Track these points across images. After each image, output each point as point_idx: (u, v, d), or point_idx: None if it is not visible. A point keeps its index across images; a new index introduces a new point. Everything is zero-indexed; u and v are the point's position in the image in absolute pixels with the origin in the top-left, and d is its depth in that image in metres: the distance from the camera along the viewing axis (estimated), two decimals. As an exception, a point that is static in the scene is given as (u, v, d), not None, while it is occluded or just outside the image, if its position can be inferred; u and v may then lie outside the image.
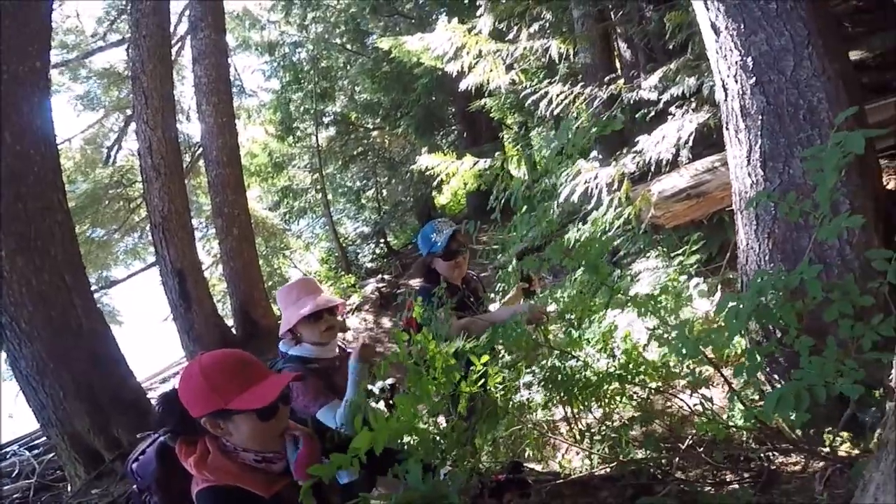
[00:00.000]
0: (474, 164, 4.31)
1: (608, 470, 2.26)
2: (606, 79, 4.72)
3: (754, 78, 1.84)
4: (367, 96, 11.88)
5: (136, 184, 8.46)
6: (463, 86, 5.20)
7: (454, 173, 4.42)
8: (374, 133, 12.42)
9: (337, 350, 2.18)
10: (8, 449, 6.91)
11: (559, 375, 1.87)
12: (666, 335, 1.51)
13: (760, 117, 1.85)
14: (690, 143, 3.36)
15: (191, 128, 10.17)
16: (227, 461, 1.38)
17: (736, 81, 1.90)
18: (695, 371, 1.45)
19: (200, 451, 1.39)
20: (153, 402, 5.42)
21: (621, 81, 4.50)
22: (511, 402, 1.95)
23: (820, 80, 1.79)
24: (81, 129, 10.02)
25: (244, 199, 6.57)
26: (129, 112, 9.20)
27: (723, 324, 1.30)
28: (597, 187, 2.97)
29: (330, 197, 12.06)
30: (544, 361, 1.94)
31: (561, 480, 2.20)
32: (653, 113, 4.10)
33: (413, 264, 10.45)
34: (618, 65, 6.90)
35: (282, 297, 2.15)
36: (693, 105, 3.84)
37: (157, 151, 5.64)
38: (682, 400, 2.07)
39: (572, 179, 2.76)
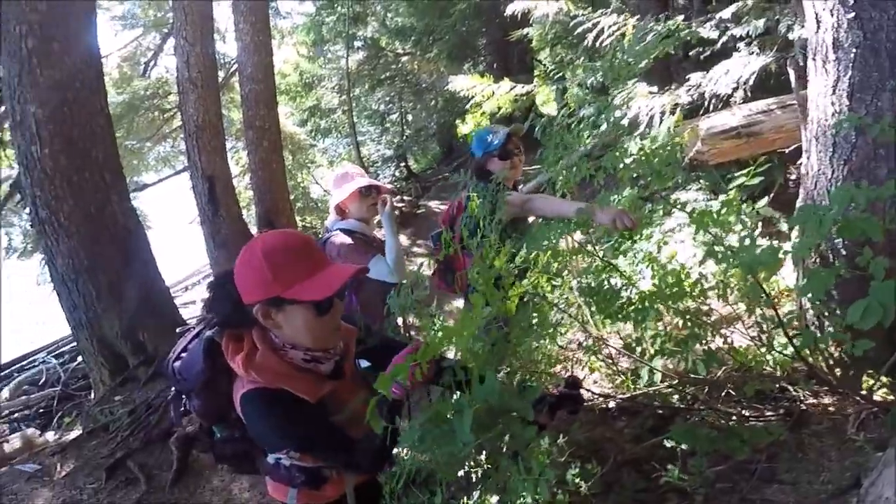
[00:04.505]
0: (511, 89, 4.18)
1: (625, 399, 2.28)
2: (662, 15, 4.46)
3: (853, 13, 1.76)
4: (401, 21, 11.58)
5: (170, 96, 8.53)
6: (509, 10, 4.97)
7: (489, 96, 4.29)
8: (404, 58, 12.12)
9: (375, 233, 2.53)
10: (36, 357, 7.22)
11: (602, 292, 1.84)
12: (722, 252, 1.47)
13: (854, 51, 1.76)
14: (751, 83, 3.21)
15: (226, 48, 10.19)
16: (275, 360, 1.26)
17: (832, 15, 1.82)
18: (759, 287, 1.40)
19: (248, 348, 1.27)
20: (179, 308, 5.60)
21: (680, 17, 4.25)
22: (553, 315, 1.95)
23: (927, 23, 1.68)
24: (119, 47, 10.07)
25: (275, 113, 6.61)
26: (165, 31, 9.37)
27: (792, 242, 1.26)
28: (647, 115, 2.87)
29: (355, 118, 11.96)
30: (587, 277, 1.92)
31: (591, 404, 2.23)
32: (708, 52, 3.90)
33: (432, 187, 10.53)
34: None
35: (335, 177, 2.52)
36: (756, 47, 3.64)
37: (195, 65, 5.70)
38: (717, 332, 2.06)
39: (626, 103, 2.66)
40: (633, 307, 1.81)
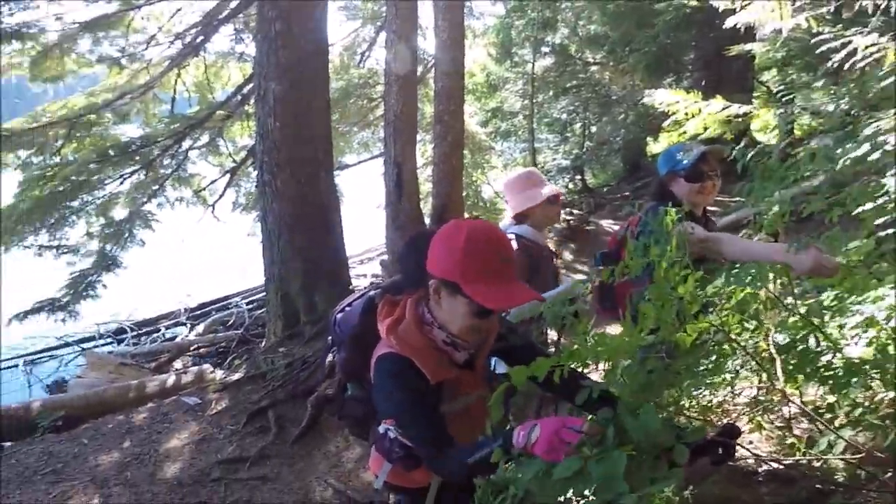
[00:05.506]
0: (723, 109, 3.70)
1: (783, 465, 1.95)
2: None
3: None
4: (594, 28, 11.21)
5: (377, 86, 9.44)
6: (729, 23, 4.50)
7: (695, 114, 3.87)
8: (594, 68, 11.72)
9: (549, 244, 2.47)
10: (233, 300, 8.33)
11: (800, 351, 1.61)
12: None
13: None
14: None
15: (425, 44, 10.84)
16: (416, 334, 1.33)
17: None
18: None
19: (398, 315, 1.35)
20: (353, 278, 6.16)
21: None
22: (732, 361, 1.75)
23: None
24: (342, 37, 11.24)
25: (462, 110, 6.83)
26: (379, 24, 10.30)
27: None
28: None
29: (535, 125, 11.95)
30: (782, 331, 1.69)
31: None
32: None
33: (608, 204, 10.12)
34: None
35: (516, 182, 2.38)
36: None
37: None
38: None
39: (875, 137, 2.22)
40: (833, 372, 1.56)
